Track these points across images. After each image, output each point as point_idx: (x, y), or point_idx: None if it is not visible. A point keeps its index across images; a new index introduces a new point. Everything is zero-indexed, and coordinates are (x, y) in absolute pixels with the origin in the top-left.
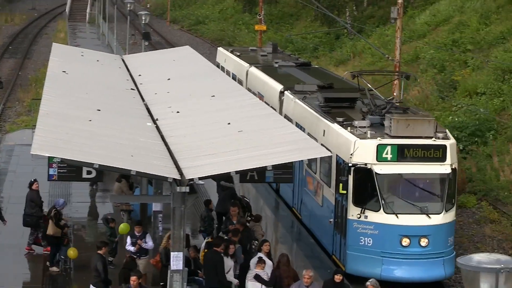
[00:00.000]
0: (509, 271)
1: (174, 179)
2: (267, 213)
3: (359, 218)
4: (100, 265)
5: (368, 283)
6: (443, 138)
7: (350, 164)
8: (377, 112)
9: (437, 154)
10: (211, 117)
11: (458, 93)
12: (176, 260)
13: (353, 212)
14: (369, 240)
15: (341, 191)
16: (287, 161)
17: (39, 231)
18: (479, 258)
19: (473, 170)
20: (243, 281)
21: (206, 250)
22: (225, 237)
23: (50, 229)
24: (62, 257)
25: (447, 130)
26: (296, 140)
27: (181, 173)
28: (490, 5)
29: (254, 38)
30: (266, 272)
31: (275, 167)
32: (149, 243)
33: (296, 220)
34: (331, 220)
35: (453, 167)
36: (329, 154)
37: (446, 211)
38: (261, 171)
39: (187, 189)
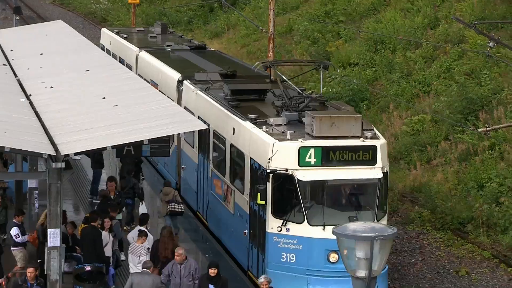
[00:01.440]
0: (383, 238)
1: (49, 155)
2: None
3: (280, 231)
4: None
5: (262, 279)
6: (371, 138)
7: (268, 170)
8: (293, 107)
9: (366, 156)
10: (86, 92)
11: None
12: (54, 237)
13: (273, 224)
14: (292, 256)
15: (259, 202)
16: (163, 135)
17: None
18: (355, 227)
19: None
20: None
21: (83, 226)
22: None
23: None
24: None
25: (374, 127)
26: (173, 113)
27: (56, 149)
28: None
29: (128, 12)
30: (144, 246)
31: (152, 141)
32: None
33: (201, 225)
34: (246, 231)
35: (385, 171)
36: (205, 127)
37: (378, 220)
38: (138, 145)
39: (62, 165)
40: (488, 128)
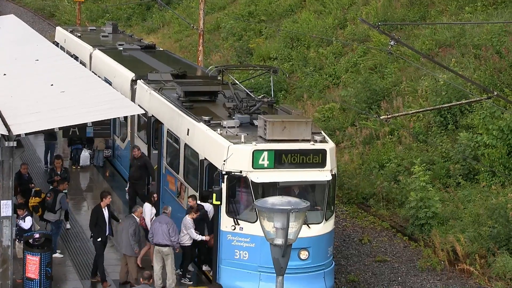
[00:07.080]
0: (298, 211)
1: (2, 134)
2: (119, 206)
3: (233, 229)
4: None
5: None
6: (321, 141)
7: (223, 172)
8: (244, 110)
9: (316, 159)
10: (36, 79)
11: (254, 58)
12: (6, 208)
13: (227, 223)
14: (245, 254)
15: (215, 202)
16: (105, 118)
17: None
18: (273, 200)
19: None
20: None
21: (33, 198)
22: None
23: None
24: None
25: (322, 131)
26: (114, 99)
27: (8, 129)
28: None
29: (73, 8)
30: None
31: (95, 123)
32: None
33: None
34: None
35: (333, 173)
36: (142, 111)
37: (326, 220)
38: (82, 127)
39: (14, 143)
40: (388, 116)
